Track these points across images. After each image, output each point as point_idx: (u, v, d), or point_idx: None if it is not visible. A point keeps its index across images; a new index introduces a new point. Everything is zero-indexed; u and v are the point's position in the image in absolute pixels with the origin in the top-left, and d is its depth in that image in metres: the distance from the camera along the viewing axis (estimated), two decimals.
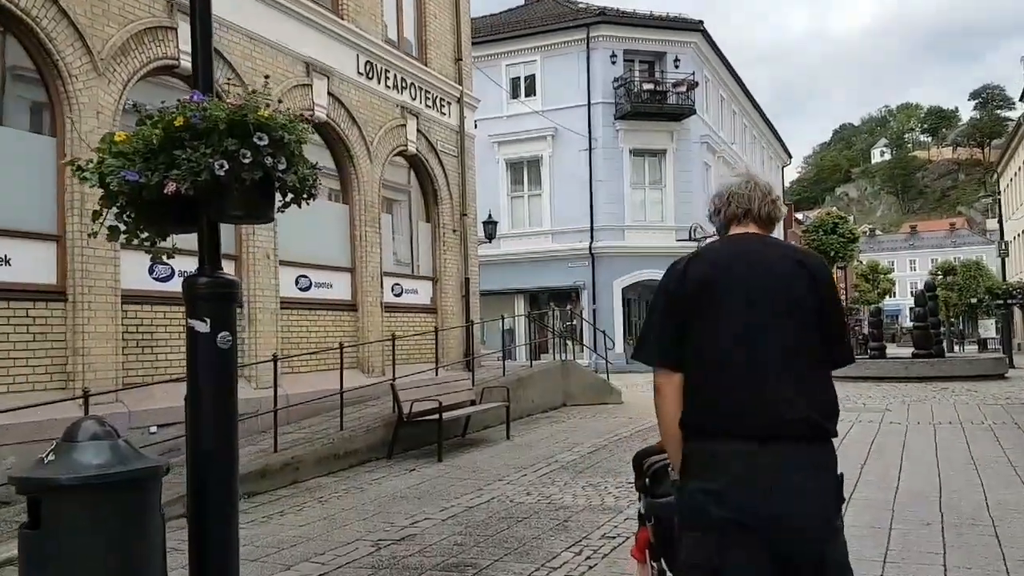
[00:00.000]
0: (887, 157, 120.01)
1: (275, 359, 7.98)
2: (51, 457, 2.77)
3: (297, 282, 10.27)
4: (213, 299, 3.36)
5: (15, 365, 6.77)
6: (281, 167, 3.17)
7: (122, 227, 3.43)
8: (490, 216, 21.33)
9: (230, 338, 3.36)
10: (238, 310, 3.54)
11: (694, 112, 27.74)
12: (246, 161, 3.08)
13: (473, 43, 16.41)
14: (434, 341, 12.03)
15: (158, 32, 7.77)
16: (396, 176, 12.81)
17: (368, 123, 11.61)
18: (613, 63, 27.13)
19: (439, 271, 13.34)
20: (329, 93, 10.80)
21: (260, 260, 9.51)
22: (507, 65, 27.98)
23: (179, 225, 3.46)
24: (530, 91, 27.81)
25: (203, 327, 3.32)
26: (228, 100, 3.12)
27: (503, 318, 14.28)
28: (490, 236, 20.98)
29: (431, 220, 13.50)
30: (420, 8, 13.39)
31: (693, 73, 27.93)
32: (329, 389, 9.27)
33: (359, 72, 11.53)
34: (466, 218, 14.09)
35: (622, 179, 26.99)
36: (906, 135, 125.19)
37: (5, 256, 6.76)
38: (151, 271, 8.06)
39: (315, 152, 10.85)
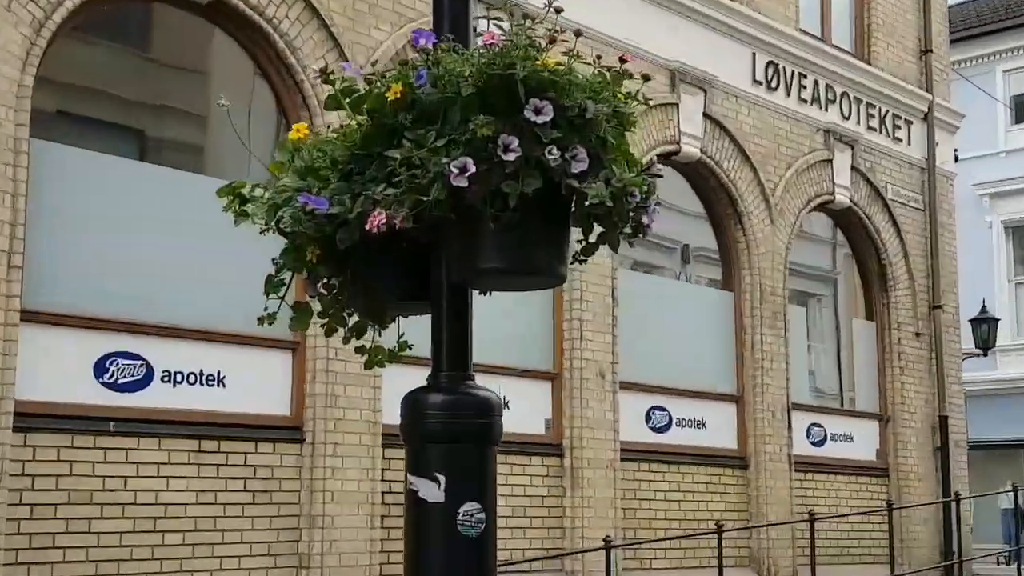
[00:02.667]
0: None
1: (609, 546, 7.41)
2: None
3: (648, 417, 10.11)
4: (452, 438, 2.79)
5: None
6: (578, 168, 2.53)
7: (316, 306, 3.05)
8: (984, 309, 19.18)
9: (482, 515, 2.76)
10: None
11: None
12: (509, 158, 2.47)
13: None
14: (887, 526, 11.14)
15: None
16: (811, 246, 12.43)
17: (769, 159, 11.34)
18: None
19: (891, 404, 12.60)
20: (705, 115, 10.69)
21: (590, 380, 9.32)
22: (1005, 72, 25.87)
23: (402, 294, 2.97)
24: None
25: (432, 491, 2.78)
26: (481, 42, 2.51)
27: (1016, 490, 12.37)
28: (985, 344, 18.83)
29: (876, 317, 12.84)
30: None
31: None
32: None
33: (756, 80, 11.35)
34: (940, 312, 13.11)
35: None
36: None
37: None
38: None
39: (678, 201, 10.80)
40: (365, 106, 2.71)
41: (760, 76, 11.27)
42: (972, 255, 22.11)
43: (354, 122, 2.83)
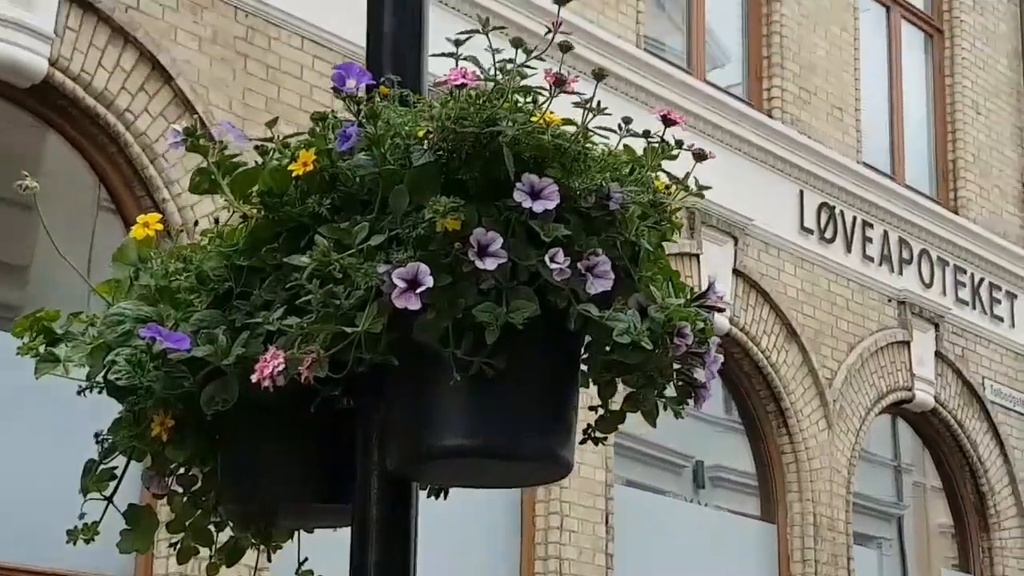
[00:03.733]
0: None
1: None
2: None
3: None
4: None
5: None
6: (598, 288, 2.23)
7: (174, 507, 2.70)
8: None
9: None
10: None
11: None
12: (488, 266, 2.19)
13: None
14: None
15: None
16: (867, 468, 12.32)
17: (822, 337, 11.43)
18: None
19: None
20: (736, 271, 10.78)
21: None
22: None
23: (307, 493, 2.64)
24: None
25: None
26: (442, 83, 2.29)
27: None
28: None
29: (973, 567, 12.82)
30: (941, 94, 13.36)
31: None
32: None
33: (803, 226, 11.50)
34: None
35: None
36: None
37: None
38: None
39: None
40: (256, 187, 2.42)
41: (810, 222, 11.41)
42: None
43: (236, 218, 2.57)
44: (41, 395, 2.89)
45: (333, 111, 2.34)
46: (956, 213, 12.89)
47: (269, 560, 2.88)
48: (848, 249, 11.72)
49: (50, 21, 7.36)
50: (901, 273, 12.17)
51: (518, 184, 2.14)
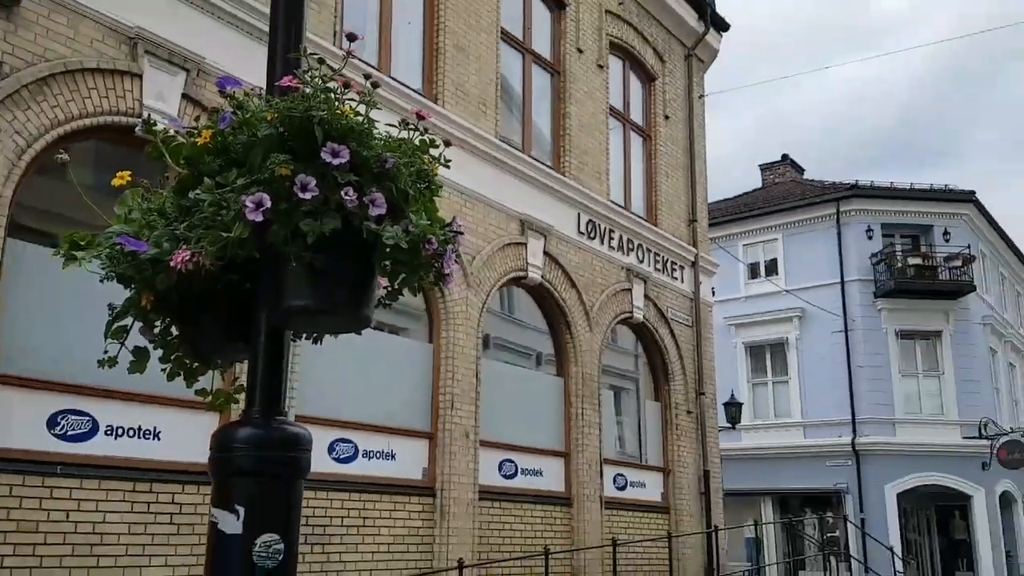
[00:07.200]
0: None
1: (461, 566, 6.41)
2: None
3: (501, 467, 9.05)
4: (256, 473, 2.03)
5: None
6: (376, 212, 1.81)
7: (152, 346, 2.21)
8: (733, 396, 18.85)
9: (281, 547, 1.96)
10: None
11: (973, 289, 23.97)
12: (306, 196, 1.75)
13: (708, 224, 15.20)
14: (667, 550, 10.44)
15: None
16: (623, 357, 11.71)
17: (589, 286, 10.70)
18: (869, 238, 24.51)
19: (672, 461, 11.73)
20: (545, 253, 10.06)
21: (458, 439, 8.35)
22: (744, 246, 26.31)
23: (224, 339, 2.16)
24: (770, 271, 25.72)
25: (232, 523, 1.98)
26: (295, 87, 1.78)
27: (756, 524, 11.73)
28: (733, 420, 18.40)
29: (661, 399, 12.03)
30: (650, 167, 12.70)
31: (968, 246, 24.42)
32: None
33: (580, 231, 10.79)
34: (703, 397, 12.40)
35: (888, 365, 23.47)
36: None
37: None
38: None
39: (529, 317, 10.21)
40: (183, 155, 1.96)
41: (583, 229, 10.79)
42: (725, 366, 21.92)
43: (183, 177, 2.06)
44: None
45: (221, 107, 1.89)
46: (656, 225, 12.22)
47: (223, 379, 2.43)
48: (602, 243, 10.89)
49: None
50: (628, 255, 11.38)
51: (324, 148, 1.72)
